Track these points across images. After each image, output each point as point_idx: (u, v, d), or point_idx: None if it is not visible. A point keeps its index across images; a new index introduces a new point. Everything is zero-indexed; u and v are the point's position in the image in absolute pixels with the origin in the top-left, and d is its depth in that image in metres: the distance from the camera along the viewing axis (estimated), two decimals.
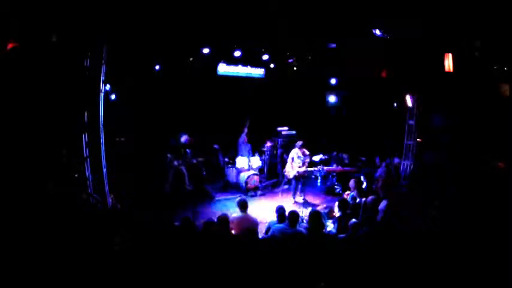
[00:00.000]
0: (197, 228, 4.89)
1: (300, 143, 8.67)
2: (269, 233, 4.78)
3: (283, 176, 9.26)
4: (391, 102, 11.11)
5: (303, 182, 8.66)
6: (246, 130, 9.51)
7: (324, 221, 5.53)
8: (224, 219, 4.76)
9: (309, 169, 8.64)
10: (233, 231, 4.94)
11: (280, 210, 5.30)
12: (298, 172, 8.46)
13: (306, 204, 7.92)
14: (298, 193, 8.71)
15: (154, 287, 2.71)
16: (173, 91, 9.15)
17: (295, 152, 8.54)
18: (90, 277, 2.67)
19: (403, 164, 9.68)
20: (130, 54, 7.12)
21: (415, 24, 6.73)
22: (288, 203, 8.18)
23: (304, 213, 6.54)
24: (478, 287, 2.86)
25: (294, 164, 8.51)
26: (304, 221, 5.97)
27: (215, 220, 4.89)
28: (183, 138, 8.61)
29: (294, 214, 4.76)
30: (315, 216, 5.03)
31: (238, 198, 5.45)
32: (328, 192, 9.36)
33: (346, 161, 10.09)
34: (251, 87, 10.28)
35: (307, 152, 8.60)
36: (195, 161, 8.57)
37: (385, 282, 2.74)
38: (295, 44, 8.45)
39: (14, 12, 4.97)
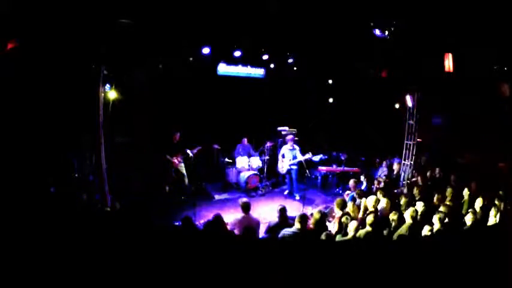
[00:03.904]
0: (197, 228, 4.90)
1: (290, 137, 8.93)
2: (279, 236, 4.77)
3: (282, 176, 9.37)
4: (391, 102, 11.11)
5: (297, 177, 8.79)
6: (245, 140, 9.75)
7: (326, 222, 5.55)
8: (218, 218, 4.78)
9: (296, 160, 8.68)
10: (236, 232, 4.95)
11: (281, 211, 5.31)
12: (289, 166, 8.74)
13: (305, 203, 7.93)
14: (294, 189, 8.86)
15: (155, 286, 2.71)
16: (173, 91, 9.15)
17: (286, 148, 8.85)
18: (91, 277, 2.67)
19: (403, 164, 9.66)
20: (130, 54, 7.11)
21: (416, 24, 6.73)
22: (289, 203, 8.18)
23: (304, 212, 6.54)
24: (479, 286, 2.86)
25: (285, 159, 8.79)
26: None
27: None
28: (177, 136, 8.62)
29: (305, 216, 4.81)
30: (319, 218, 5.04)
31: (242, 200, 5.43)
32: (328, 192, 9.38)
33: (346, 161, 10.09)
34: (251, 87, 10.28)
35: (296, 147, 8.79)
36: (194, 152, 8.56)
37: (386, 283, 2.74)
38: (295, 44, 8.45)
39: (14, 12, 4.97)
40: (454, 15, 6.39)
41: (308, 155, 8.55)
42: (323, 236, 4.55)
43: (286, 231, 4.74)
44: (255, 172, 9.29)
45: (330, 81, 11.35)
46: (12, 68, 5.30)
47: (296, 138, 9.27)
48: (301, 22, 6.93)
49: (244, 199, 5.42)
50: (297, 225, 4.71)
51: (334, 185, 9.50)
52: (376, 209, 5.65)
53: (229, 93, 10.11)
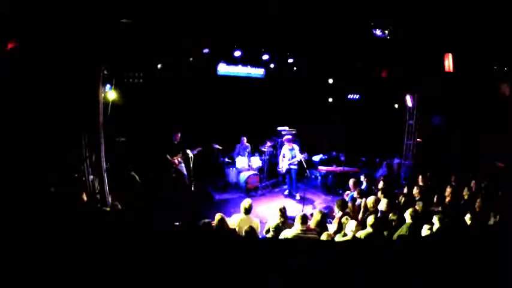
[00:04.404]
0: (197, 229, 4.89)
1: (288, 137, 9.01)
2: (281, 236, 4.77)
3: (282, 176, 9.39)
4: (391, 102, 11.12)
5: (296, 176, 8.84)
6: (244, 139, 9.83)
7: (327, 222, 5.56)
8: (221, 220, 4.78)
9: (295, 160, 8.70)
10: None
11: (281, 211, 5.31)
12: (288, 165, 8.77)
13: (305, 203, 7.94)
14: (293, 189, 8.89)
15: (155, 287, 2.71)
16: (173, 91, 9.15)
17: (286, 148, 8.90)
18: (90, 277, 2.68)
19: (403, 164, 9.68)
20: (130, 54, 7.12)
21: (416, 24, 6.73)
22: (289, 203, 8.19)
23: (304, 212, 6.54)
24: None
25: (285, 159, 8.86)
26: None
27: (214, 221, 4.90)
28: (177, 136, 8.63)
29: (305, 216, 4.81)
30: (320, 218, 5.04)
31: (244, 201, 5.40)
32: (328, 192, 9.39)
33: (346, 161, 10.09)
34: (251, 87, 10.28)
35: (296, 147, 8.84)
36: (195, 152, 8.56)
37: (386, 284, 2.74)
38: (295, 44, 8.45)
39: (14, 12, 4.97)
40: (454, 15, 6.39)
41: (303, 155, 8.58)
42: (324, 236, 4.55)
43: (287, 232, 4.74)
44: (255, 172, 9.29)
45: (330, 81, 11.34)
46: (12, 68, 5.30)
47: (294, 138, 9.28)
48: (301, 22, 6.93)
49: (248, 201, 5.39)
50: (297, 226, 4.71)
51: (334, 185, 9.50)
52: (376, 209, 5.65)
53: (229, 93, 10.11)
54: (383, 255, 3.14)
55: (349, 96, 11.49)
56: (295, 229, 4.71)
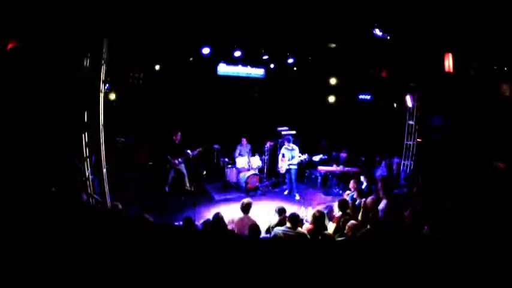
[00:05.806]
0: (197, 228, 4.90)
1: (288, 137, 9.01)
2: (271, 235, 4.81)
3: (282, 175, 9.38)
4: (391, 102, 11.10)
5: (296, 176, 8.87)
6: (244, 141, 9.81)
7: (326, 221, 5.56)
8: (218, 217, 4.80)
9: (294, 161, 8.70)
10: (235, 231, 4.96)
11: (280, 211, 5.31)
12: (288, 165, 8.78)
13: (305, 203, 7.93)
14: (293, 189, 8.89)
15: (154, 287, 2.71)
16: (173, 91, 9.15)
17: (285, 148, 8.93)
18: (91, 277, 2.68)
19: (403, 164, 9.67)
20: (130, 54, 7.12)
21: (416, 24, 6.73)
22: (289, 203, 8.18)
23: (304, 213, 6.55)
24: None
25: (285, 159, 8.89)
26: (305, 221, 5.97)
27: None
28: (178, 137, 8.63)
29: (295, 216, 4.80)
30: (318, 216, 5.04)
31: (243, 200, 5.43)
32: (328, 192, 9.38)
33: (346, 161, 10.09)
34: (251, 87, 10.28)
35: (295, 147, 8.86)
36: (195, 153, 8.57)
37: (385, 284, 2.74)
38: (295, 44, 8.45)
39: (14, 12, 4.97)
40: (454, 15, 6.39)
41: (304, 156, 8.58)
42: (321, 236, 4.56)
43: (278, 229, 4.77)
44: (255, 172, 9.29)
45: (332, 81, 11.32)
46: (12, 67, 5.31)
47: (293, 139, 9.30)
48: (301, 22, 6.93)
49: (246, 200, 5.42)
50: (287, 224, 4.75)
51: (334, 185, 9.49)
52: (376, 209, 5.65)
53: (229, 93, 10.11)
54: (382, 255, 3.14)
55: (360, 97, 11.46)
56: (285, 227, 4.74)
